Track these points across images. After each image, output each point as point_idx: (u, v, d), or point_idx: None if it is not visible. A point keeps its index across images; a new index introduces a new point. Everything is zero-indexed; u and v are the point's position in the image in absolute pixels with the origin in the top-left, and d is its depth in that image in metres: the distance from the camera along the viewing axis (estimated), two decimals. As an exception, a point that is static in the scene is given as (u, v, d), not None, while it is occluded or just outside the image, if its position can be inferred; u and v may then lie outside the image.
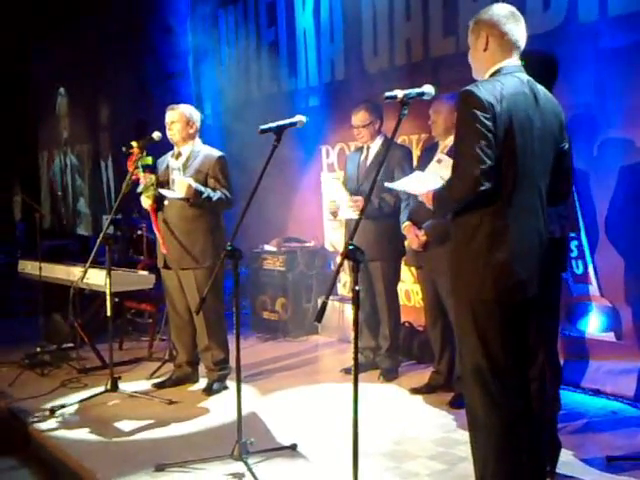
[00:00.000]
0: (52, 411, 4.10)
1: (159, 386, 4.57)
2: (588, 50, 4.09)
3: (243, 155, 6.04)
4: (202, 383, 4.57)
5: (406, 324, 5.16)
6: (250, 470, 3.18)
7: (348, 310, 5.74)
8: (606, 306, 4.15)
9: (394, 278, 4.67)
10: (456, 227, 2.53)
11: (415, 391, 4.34)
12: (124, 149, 4.25)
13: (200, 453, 3.42)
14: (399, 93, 2.66)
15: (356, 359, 2.54)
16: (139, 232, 6.33)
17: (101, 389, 4.35)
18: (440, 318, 4.21)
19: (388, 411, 4.07)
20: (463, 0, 4.85)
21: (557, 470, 3.05)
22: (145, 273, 5.10)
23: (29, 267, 5.58)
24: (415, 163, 4.50)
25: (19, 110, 10.19)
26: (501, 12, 2.54)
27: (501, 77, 2.48)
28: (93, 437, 3.78)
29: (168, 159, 4.49)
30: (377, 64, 5.69)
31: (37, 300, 5.48)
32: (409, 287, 5.49)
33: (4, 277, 7.33)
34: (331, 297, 4.54)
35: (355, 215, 4.39)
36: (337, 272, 2.64)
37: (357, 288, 2.51)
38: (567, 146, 2.65)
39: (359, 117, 4.58)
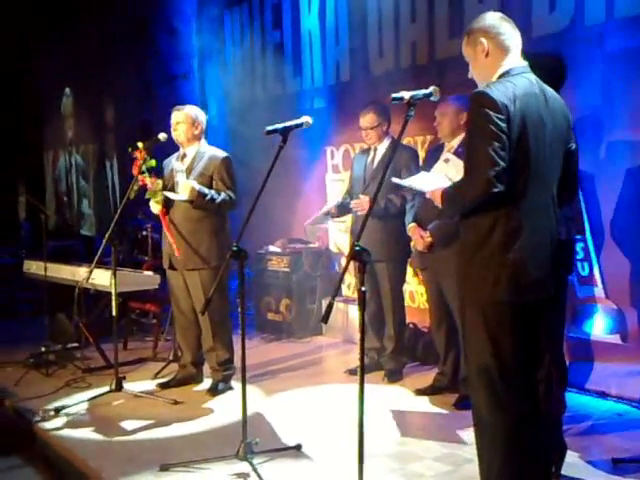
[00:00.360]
0: (57, 411, 4.11)
1: (164, 386, 4.58)
2: (594, 52, 4.09)
3: (248, 156, 6.06)
4: (206, 383, 4.57)
5: (410, 325, 5.15)
6: (255, 470, 3.18)
7: (352, 311, 5.75)
8: (611, 308, 4.15)
9: (400, 279, 4.67)
10: (466, 228, 2.51)
11: (420, 392, 4.34)
12: (130, 150, 4.26)
13: (205, 453, 3.42)
14: (406, 94, 2.67)
15: (362, 360, 2.54)
16: (144, 233, 6.34)
17: (106, 389, 4.36)
18: (445, 319, 4.21)
19: (393, 412, 4.07)
20: (469, 2, 4.86)
21: (563, 472, 3.05)
22: (150, 273, 5.11)
23: (34, 267, 5.60)
24: (420, 164, 4.50)
25: (24, 110, 10.20)
26: (492, 17, 2.59)
27: (511, 78, 2.48)
28: (98, 437, 3.79)
29: (172, 161, 4.50)
30: (382, 66, 5.69)
31: (42, 300, 5.49)
32: (414, 288, 5.49)
33: (9, 277, 7.34)
34: (335, 298, 4.56)
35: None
36: (343, 273, 2.63)
37: (363, 289, 2.52)
38: (574, 146, 2.65)
39: (367, 119, 4.58)
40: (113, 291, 4.32)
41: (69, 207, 10.83)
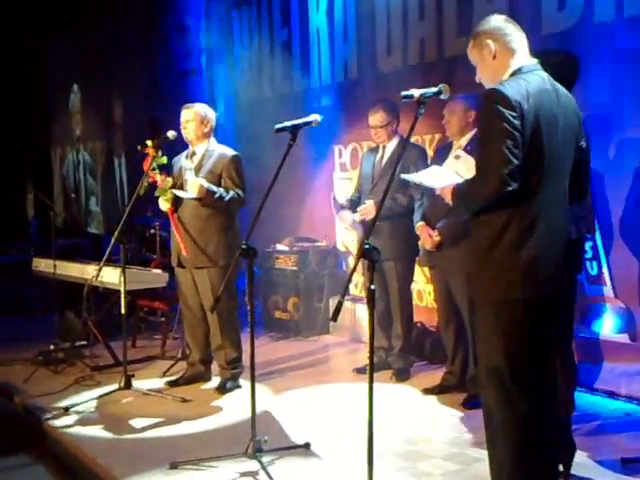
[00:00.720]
0: (66, 408, 4.12)
1: (172, 384, 4.59)
2: (603, 50, 4.07)
3: (256, 154, 6.06)
4: (215, 382, 4.58)
5: (418, 324, 5.15)
6: (264, 468, 3.19)
7: (360, 310, 5.75)
8: (620, 307, 4.14)
9: (408, 278, 4.67)
10: (479, 227, 2.50)
11: (428, 391, 4.33)
12: (139, 148, 4.27)
13: (214, 451, 3.43)
14: (415, 92, 2.66)
15: (371, 358, 2.54)
16: (152, 231, 6.36)
17: (115, 387, 4.37)
18: (453, 318, 4.21)
19: (401, 411, 4.07)
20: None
21: (572, 472, 3.04)
22: (159, 271, 5.12)
23: (43, 265, 5.62)
24: (429, 163, 4.50)
25: (32, 107, 10.23)
26: (497, 19, 2.58)
27: (523, 75, 2.47)
28: (107, 434, 3.81)
29: (182, 159, 4.51)
30: (390, 64, 5.68)
31: (51, 298, 5.51)
32: (421, 287, 5.48)
33: (18, 275, 7.37)
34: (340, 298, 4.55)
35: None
36: (353, 271, 2.63)
37: (372, 287, 2.51)
38: (585, 144, 2.64)
39: (377, 117, 4.57)
40: (122, 289, 4.33)
41: (77, 205, 10.86)
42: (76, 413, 4.10)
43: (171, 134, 4.32)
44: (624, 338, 4.12)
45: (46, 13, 9.46)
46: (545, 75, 2.52)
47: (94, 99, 10.13)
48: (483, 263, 2.48)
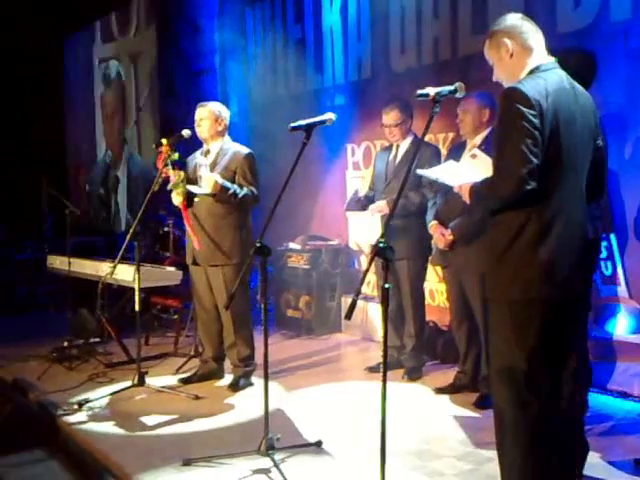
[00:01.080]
0: (80, 404, 4.15)
1: (185, 381, 4.61)
2: (619, 49, 4.05)
3: (269, 153, 6.07)
4: (227, 379, 4.60)
5: (430, 324, 5.14)
6: (276, 466, 3.20)
7: (372, 309, 5.75)
8: (635, 308, 4.11)
9: (420, 277, 4.66)
10: (496, 226, 2.49)
11: (440, 391, 4.33)
12: (154, 146, 4.29)
13: (226, 448, 3.44)
14: (431, 91, 2.66)
15: (385, 356, 2.54)
16: (166, 229, 6.38)
17: (128, 383, 4.40)
18: (466, 318, 4.19)
19: (413, 410, 4.07)
20: (492, -2, 4.84)
21: (584, 472, 3.03)
22: (172, 269, 5.13)
23: (58, 262, 5.66)
24: (442, 162, 4.49)
25: (49, 105, 10.28)
26: (514, 17, 2.58)
27: (542, 74, 2.46)
28: (120, 431, 3.83)
29: (197, 157, 4.52)
30: (404, 63, 5.67)
31: (65, 295, 5.54)
32: (434, 286, 5.47)
33: (33, 272, 7.43)
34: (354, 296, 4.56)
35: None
36: (367, 270, 2.63)
37: (387, 286, 2.51)
38: (602, 143, 2.63)
39: (391, 116, 4.57)
40: (136, 286, 4.35)
41: (103, 203, 10.80)
42: (89, 409, 4.12)
43: (186, 133, 4.34)
44: (638, 339, 4.10)
45: (60, 14, 9.51)
46: (563, 73, 2.51)
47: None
48: (500, 262, 2.46)
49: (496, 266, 2.48)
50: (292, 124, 3.28)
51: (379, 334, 4.82)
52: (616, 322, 4.20)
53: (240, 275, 3.53)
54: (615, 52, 4.04)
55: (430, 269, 4.94)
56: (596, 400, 3.97)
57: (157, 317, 6.25)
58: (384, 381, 2.52)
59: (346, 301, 6.04)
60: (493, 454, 3.18)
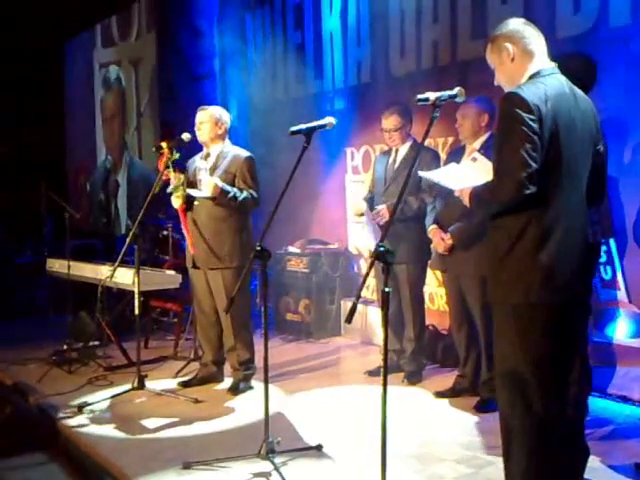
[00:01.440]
0: (80, 408, 4.15)
1: (185, 385, 4.62)
2: (619, 54, 4.06)
3: (269, 157, 6.08)
4: (227, 382, 4.60)
5: (430, 327, 5.15)
6: (277, 469, 3.20)
7: (371, 313, 5.75)
8: (634, 312, 4.12)
9: (420, 281, 4.66)
10: (496, 230, 2.50)
11: (440, 395, 4.33)
12: (154, 150, 4.30)
13: (226, 452, 3.44)
14: (431, 95, 2.67)
15: (385, 360, 2.54)
16: (165, 232, 6.38)
17: (128, 387, 4.40)
18: (465, 322, 4.20)
19: (413, 414, 4.07)
20: (492, 2, 4.85)
21: (585, 476, 3.02)
22: (172, 273, 5.14)
23: (57, 265, 5.65)
24: (441, 166, 4.50)
25: (49, 109, 10.30)
26: (516, 22, 2.59)
27: (542, 78, 2.47)
28: (120, 434, 3.83)
29: (196, 160, 4.53)
30: (404, 67, 5.68)
31: (65, 298, 5.54)
32: (433, 290, 5.48)
33: (32, 275, 7.42)
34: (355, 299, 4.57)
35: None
36: (367, 274, 2.63)
37: (387, 290, 2.51)
38: (602, 148, 2.64)
39: (391, 120, 4.58)
40: (136, 290, 4.35)
41: (103, 206, 10.80)
42: (89, 413, 4.13)
43: (185, 136, 4.34)
44: (638, 343, 4.10)
45: (64, 17, 9.53)
46: (563, 79, 2.52)
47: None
48: (501, 266, 2.47)
49: (497, 269, 2.49)
50: (292, 128, 3.29)
51: (379, 338, 4.82)
52: (616, 326, 4.20)
53: (240, 279, 3.53)
54: (615, 57, 4.05)
55: (429, 273, 4.94)
56: (596, 404, 3.97)
57: (157, 320, 6.25)
58: (384, 385, 2.52)
59: (345, 305, 6.04)
60: (493, 458, 3.21)
